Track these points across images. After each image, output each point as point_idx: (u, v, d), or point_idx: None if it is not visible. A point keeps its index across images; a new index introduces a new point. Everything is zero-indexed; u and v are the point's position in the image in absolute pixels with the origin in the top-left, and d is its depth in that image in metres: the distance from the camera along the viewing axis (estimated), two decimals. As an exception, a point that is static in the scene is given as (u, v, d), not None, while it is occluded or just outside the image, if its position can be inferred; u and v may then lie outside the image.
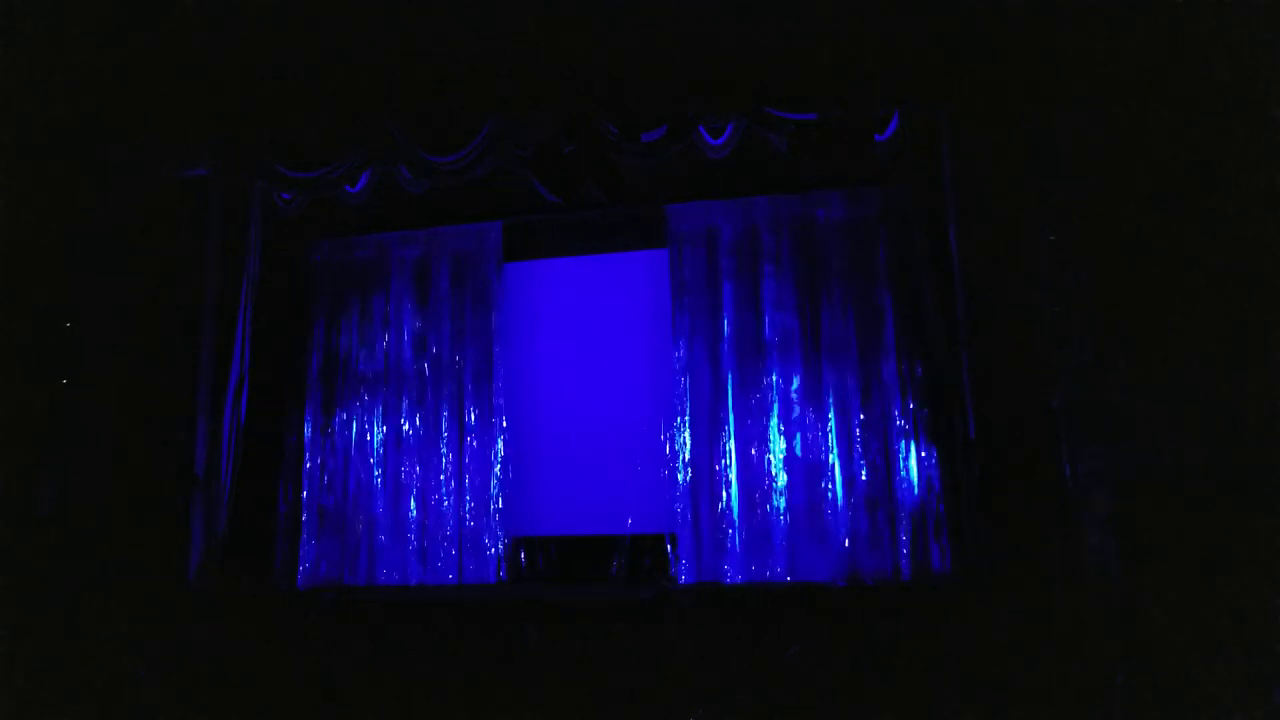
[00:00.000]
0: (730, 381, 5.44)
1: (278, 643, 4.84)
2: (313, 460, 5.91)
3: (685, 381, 5.53)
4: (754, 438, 5.35)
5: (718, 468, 5.35)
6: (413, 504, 5.80)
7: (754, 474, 5.31)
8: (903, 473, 5.09)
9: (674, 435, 5.52)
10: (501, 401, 5.86)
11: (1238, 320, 3.73)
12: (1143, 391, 4.04)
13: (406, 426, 5.91)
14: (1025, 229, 4.55)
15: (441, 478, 5.81)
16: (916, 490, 5.06)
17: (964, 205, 4.79)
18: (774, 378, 5.38)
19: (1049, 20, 4.34)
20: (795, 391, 5.35)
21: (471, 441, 5.80)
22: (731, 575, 5.16)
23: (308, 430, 5.94)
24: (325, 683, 4.67)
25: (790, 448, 5.33)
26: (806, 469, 5.28)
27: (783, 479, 5.29)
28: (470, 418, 5.84)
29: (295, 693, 4.56)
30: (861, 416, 5.22)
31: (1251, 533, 3.65)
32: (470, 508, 5.74)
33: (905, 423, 5.13)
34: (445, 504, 5.76)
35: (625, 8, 4.64)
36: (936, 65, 4.71)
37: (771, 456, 5.32)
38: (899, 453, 5.12)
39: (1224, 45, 3.77)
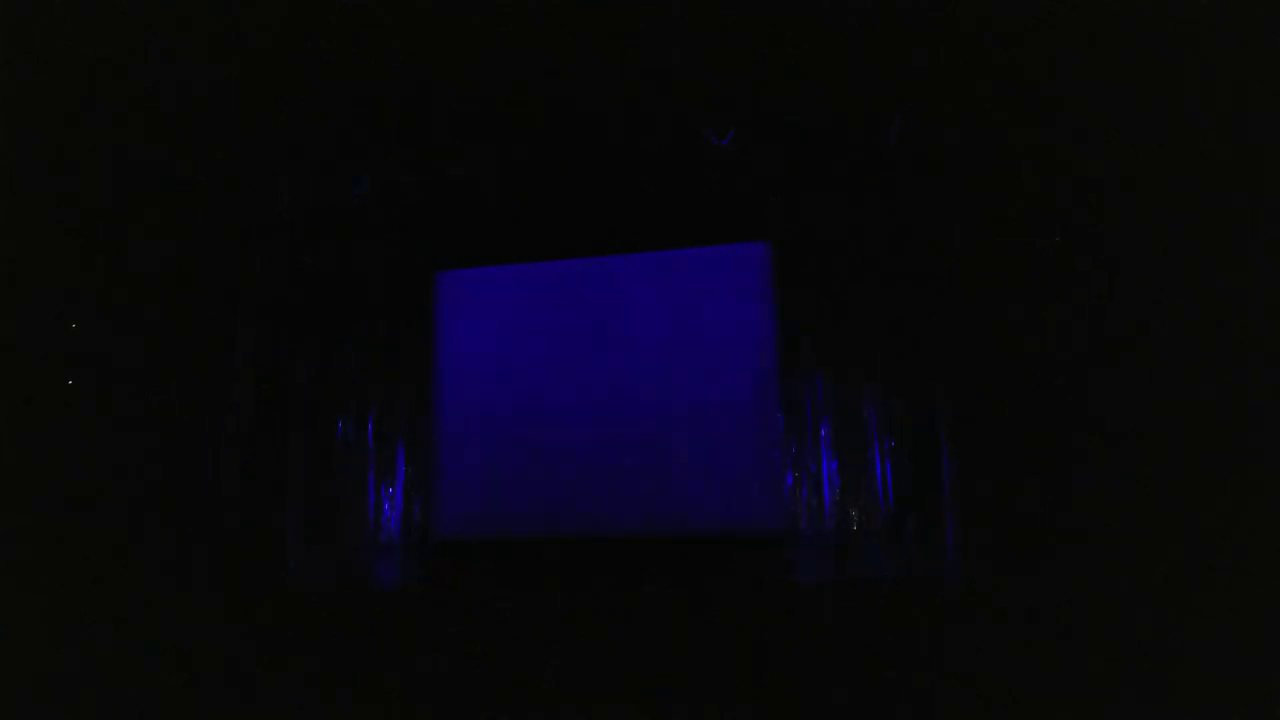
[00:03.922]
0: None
1: (281, 643, 4.85)
2: (311, 462, 5.90)
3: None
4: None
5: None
6: (405, 505, 5.82)
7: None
8: (921, 477, 5.05)
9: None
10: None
11: (1242, 320, 3.74)
12: (1144, 391, 4.05)
13: (404, 428, 5.92)
14: (1029, 230, 4.56)
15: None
16: (928, 493, 5.03)
17: (967, 207, 4.79)
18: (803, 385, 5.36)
19: (1051, 21, 4.35)
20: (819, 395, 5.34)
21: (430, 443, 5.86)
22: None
23: (307, 432, 5.93)
24: (326, 681, 4.68)
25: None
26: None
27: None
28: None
29: (299, 691, 4.56)
30: (887, 421, 5.20)
31: (1253, 533, 3.66)
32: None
33: (927, 428, 5.08)
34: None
35: (625, 11, 4.66)
36: (939, 67, 4.72)
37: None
38: (919, 457, 5.08)
39: (1227, 44, 3.78)
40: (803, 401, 5.33)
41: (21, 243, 4.71)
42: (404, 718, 4.55)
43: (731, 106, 5.20)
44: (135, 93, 4.90)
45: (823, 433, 5.28)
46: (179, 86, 4.94)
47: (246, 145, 5.44)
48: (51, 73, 4.69)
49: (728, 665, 4.48)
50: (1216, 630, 3.65)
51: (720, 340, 5.62)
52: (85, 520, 4.71)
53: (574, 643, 4.74)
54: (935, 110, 4.89)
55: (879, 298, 5.16)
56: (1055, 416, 4.35)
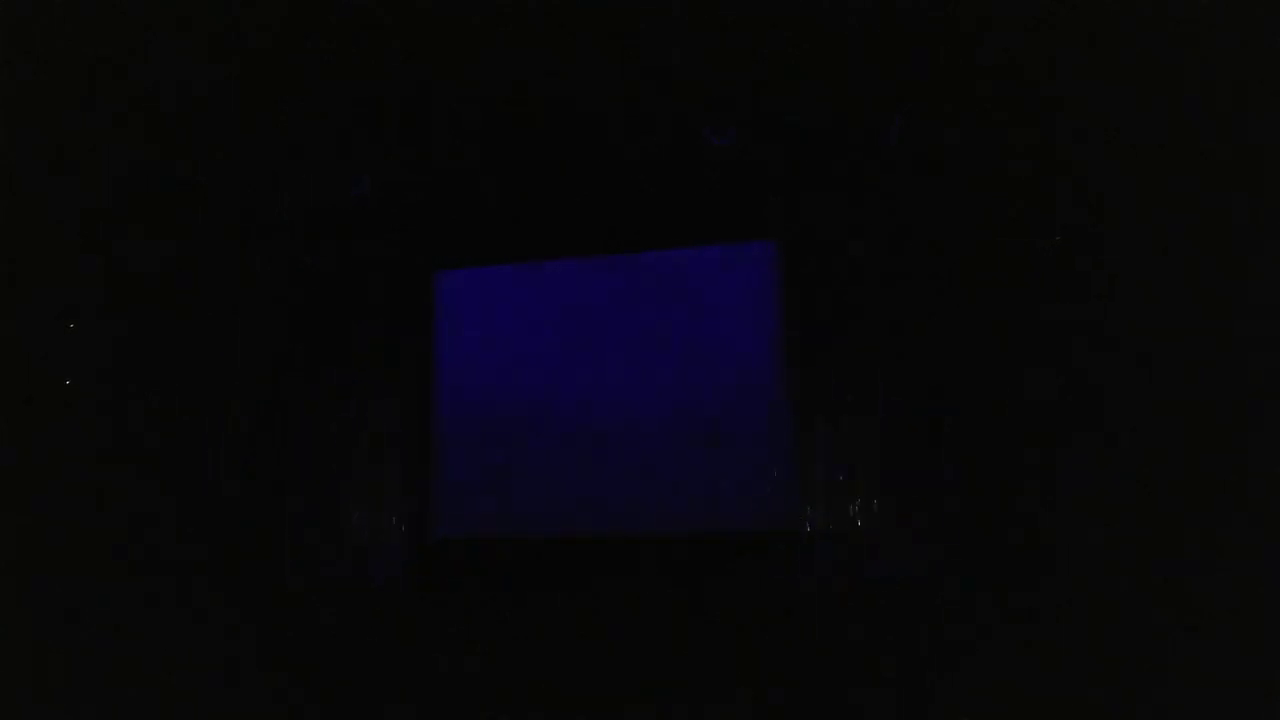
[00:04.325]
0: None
1: (281, 643, 4.85)
2: (310, 462, 5.90)
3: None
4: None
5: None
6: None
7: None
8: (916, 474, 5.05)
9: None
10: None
11: (1242, 320, 3.74)
12: (1144, 391, 4.05)
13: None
14: (1029, 230, 4.56)
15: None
16: (928, 493, 5.03)
17: (967, 207, 4.79)
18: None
19: (1051, 21, 4.36)
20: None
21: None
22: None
23: (306, 432, 5.93)
24: (326, 681, 4.68)
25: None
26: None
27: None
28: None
29: (299, 691, 4.56)
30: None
31: (1253, 533, 3.66)
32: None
33: (928, 428, 5.08)
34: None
35: (625, 11, 4.67)
36: (939, 67, 4.72)
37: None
38: (920, 457, 5.07)
39: (1227, 44, 3.78)
40: (804, 402, 5.33)
41: (21, 243, 4.71)
42: (404, 717, 4.55)
43: (731, 106, 5.20)
44: (135, 93, 4.90)
45: (824, 433, 5.28)
46: (179, 86, 4.94)
47: (246, 145, 5.44)
48: (51, 73, 4.69)
49: (728, 665, 4.48)
50: (1217, 630, 3.65)
51: (721, 340, 5.63)
52: (85, 520, 4.71)
53: (574, 643, 4.74)
54: (935, 110, 4.89)
55: (880, 298, 5.16)
56: (1055, 417, 4.35)
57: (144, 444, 5.06)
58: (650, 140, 5.32)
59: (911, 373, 5.04)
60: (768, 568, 5.14)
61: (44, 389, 4.78)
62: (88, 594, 4.61)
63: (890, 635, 4.45)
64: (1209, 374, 3.84)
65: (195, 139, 5.24)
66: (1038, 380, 4.45)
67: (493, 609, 5.12)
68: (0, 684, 4.25)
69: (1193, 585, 3.76)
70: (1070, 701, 3.90)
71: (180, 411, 5.27)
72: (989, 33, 4.50)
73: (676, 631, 4.67)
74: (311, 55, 4.92)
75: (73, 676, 4.40)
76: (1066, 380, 4.32)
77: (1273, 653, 3.49)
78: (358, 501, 5.85)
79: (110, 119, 4.93)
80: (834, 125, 5.16)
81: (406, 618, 5.20)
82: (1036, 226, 4.57)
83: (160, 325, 5.22)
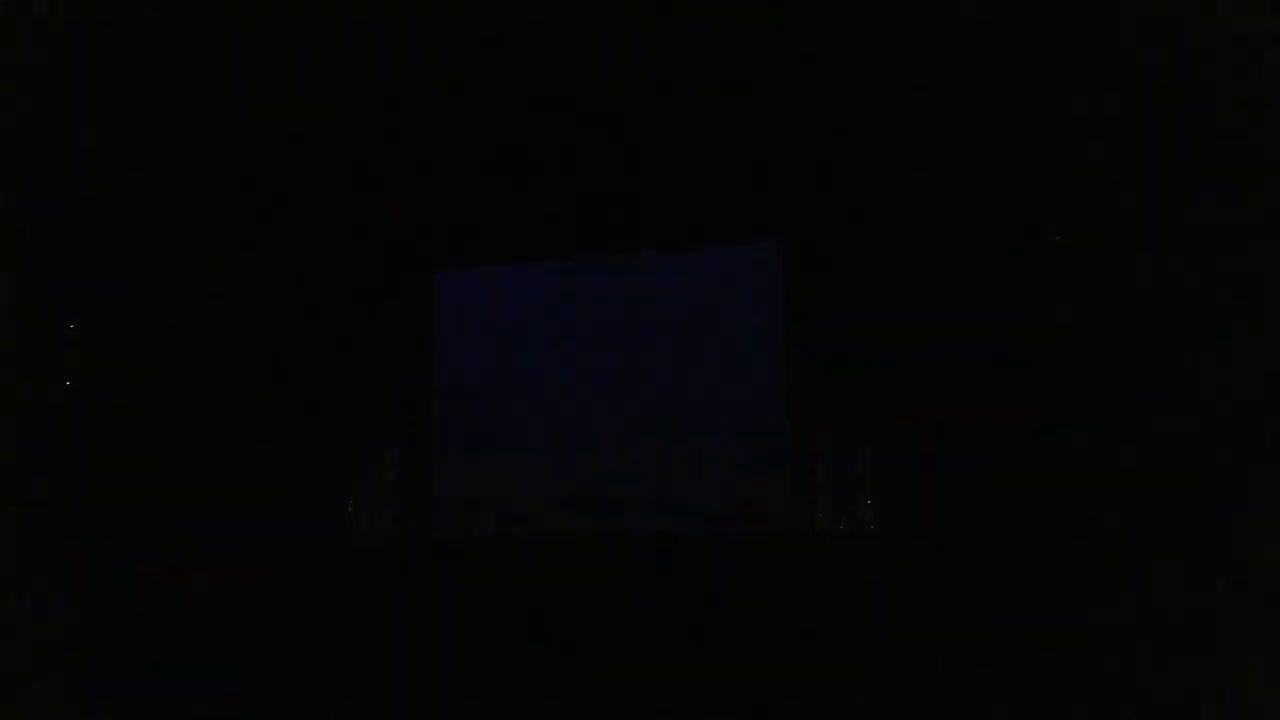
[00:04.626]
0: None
1: (280, 642, 4.85)
2: (309, 462, 5.90)
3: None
4: None
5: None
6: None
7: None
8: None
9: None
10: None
11: (1240, 317, 3.74)
12: (1145, 392, 4.05)
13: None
14: (1029, 230, 4.56)
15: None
16: (928, 493, 5.03)
17: (967, 208, 4.80)
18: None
19: (1049, 21, 4.36)
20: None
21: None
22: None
23: (305, 432, 5.93)
24: (326, 681, 4.69)
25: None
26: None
27: None
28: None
29: (299, 690, 4.57)
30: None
31: (1253, 533, 3.66)
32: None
33: (929, 428, 5.07)
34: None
35: (626, 11, 4.68)
36: (938, 67, 4.72)
37: None
38: (921, 457, 5.07)
39: (1228, 44, 3.78)
40: (805, 402, 5.33)
41: (22, 242, 4.72)
42: (404, 717, 4.55)
43: (733, 106, 5.20)
44: (134, 92, 4.91)
45: (825, 433, 5.28)
46: (180, 86, 4.95)
47: (246, 145, 5.45)
48: (52, 72, 4.70)
49: (730, 664, 4.47)
50: (1219, 631, 3.65)
51: (722, 340, 5.63)
52: (85, 520, 4.71)
53: (574, 643, 4.74)
54: (935, 110, 4.89)
55: (882, 298, 5.16)
56: (1056, 416, 4.35)
57: (144, 444, 5.07)
58: (650, 140, 5.32)
59: (912, 373, 5.04)
60: (768, 568, 5.14)
61: (43, 389, 4.78)
62: (87, 593, 4.61)
63: (891, 636, 4.44)
64: (1211, 374, 3.84)
65: (193, 139, 5.25)
66: (1038, 380, 4.44)
67: (493, 609, 5.11)
68: (0, 682, 4.26)
69: (1196, 585, 3.76)
70: (1072, 701, 3.89)
71: (179, 411, 5.27)
72: (989, 33, 4.50)
73: (676, 632, 4.67)
74: (312, 54, 4.92)
75: (73, 676, 4.41)
76: (1067, 379, 4.32)
77: (1273, 653, 3.50)
78: (358, 501, 5.86)
79: (111, 119, 4.94)
80: (836, 125, 5.16)
81: (406, 617, 5.20)
82: (1038, 226, 4.57)
83: (160, 325, 5.23)
